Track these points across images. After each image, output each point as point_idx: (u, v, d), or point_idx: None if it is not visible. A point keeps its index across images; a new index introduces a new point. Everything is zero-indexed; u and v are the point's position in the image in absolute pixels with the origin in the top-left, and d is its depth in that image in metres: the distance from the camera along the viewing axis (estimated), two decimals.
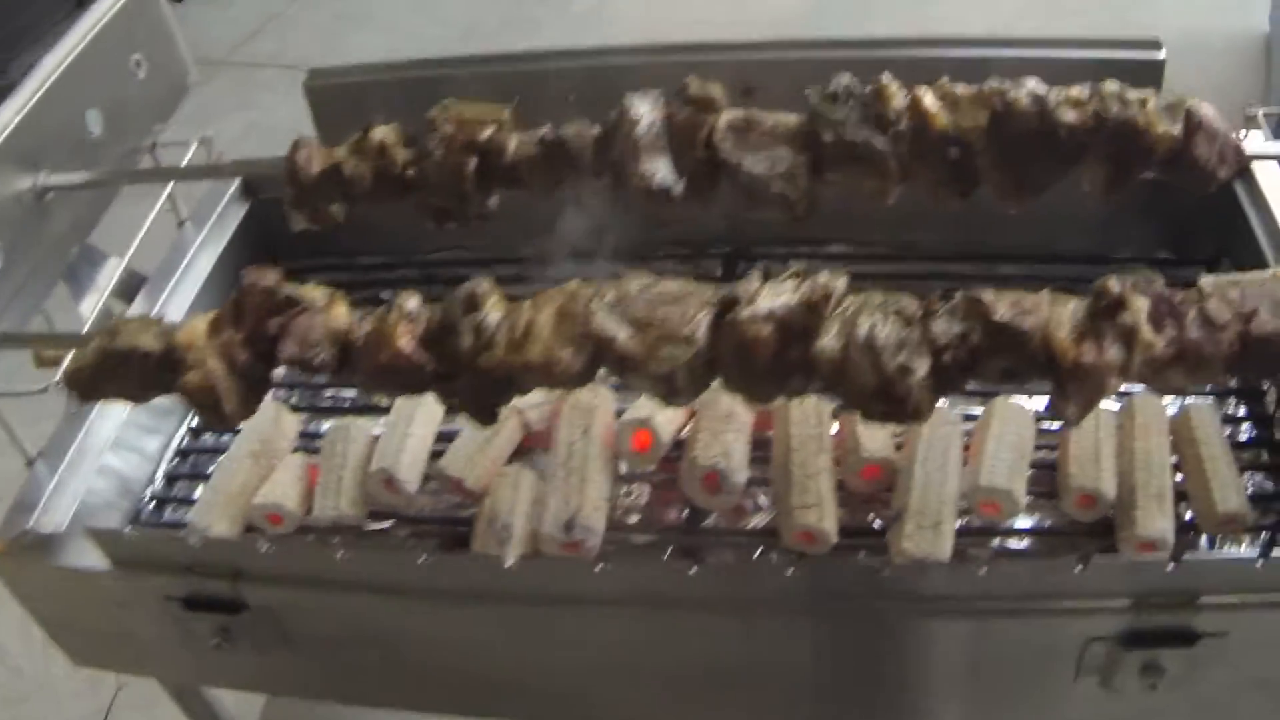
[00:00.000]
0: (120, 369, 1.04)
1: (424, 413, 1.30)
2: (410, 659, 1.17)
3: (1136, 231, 1.38)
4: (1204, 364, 0.80)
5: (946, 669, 1.03)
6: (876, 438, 1.14)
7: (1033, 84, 0.94)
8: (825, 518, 1.10)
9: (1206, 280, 0.84)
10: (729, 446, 1.15)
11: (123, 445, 1.34)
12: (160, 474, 1.40)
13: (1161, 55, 1.28)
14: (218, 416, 1.02)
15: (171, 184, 1.46)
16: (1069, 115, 0.92)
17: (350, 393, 1.47)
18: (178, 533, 1.14)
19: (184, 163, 1.43)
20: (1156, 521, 1.05)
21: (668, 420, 1.20)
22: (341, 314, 0.98)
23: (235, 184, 1.56)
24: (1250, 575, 0.92)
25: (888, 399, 0.82)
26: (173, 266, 1.47)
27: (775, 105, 1.02)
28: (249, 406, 1.02)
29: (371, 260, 1.60)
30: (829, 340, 0.83)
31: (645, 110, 1.00)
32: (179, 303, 1.45)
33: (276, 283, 1.00)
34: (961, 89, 0.96)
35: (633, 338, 0.88)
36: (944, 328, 0.82)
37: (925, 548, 1.06)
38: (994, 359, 0.82)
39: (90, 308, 1.38)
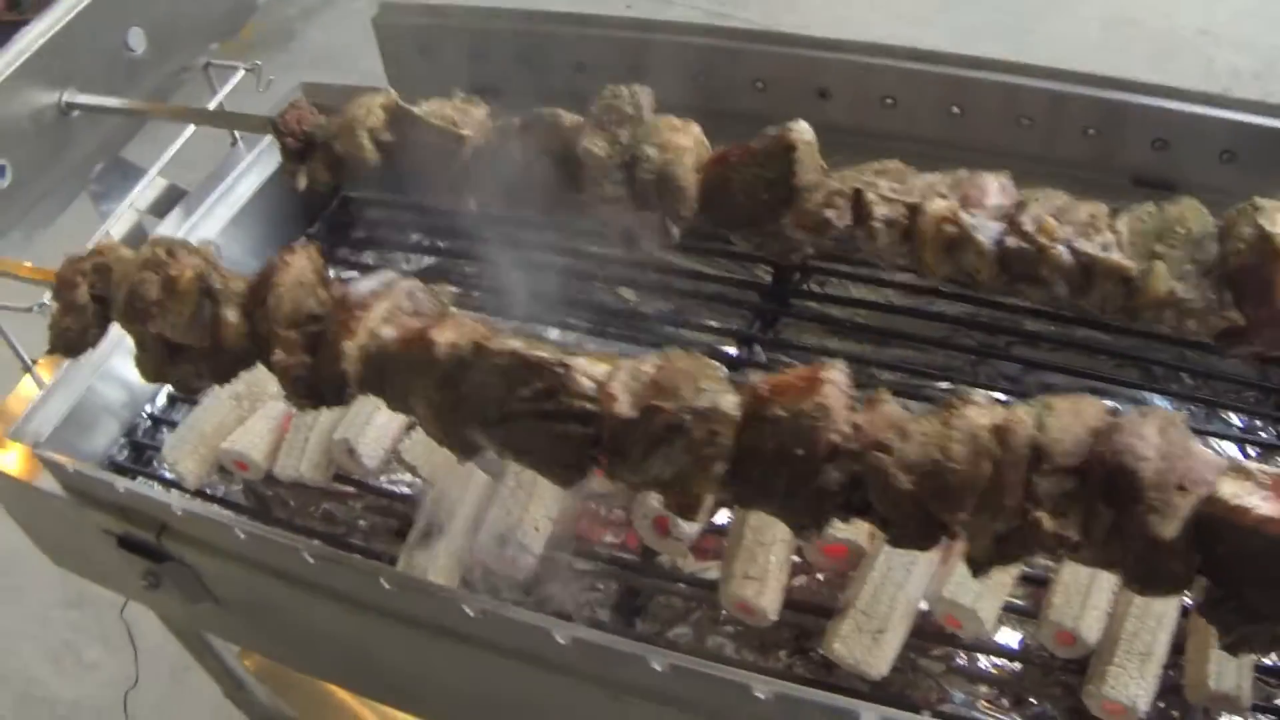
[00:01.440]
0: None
1: None
2: (316, 635, 1.15)
3: None
4: None
5: None
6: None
7: None
8: (765, 594, 1.00)
9: None
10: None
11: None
12: (164, 393, 1.40)
13: None
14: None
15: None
16: None
17: None
18: (112, 477, 1.13)
19: (225, 91, 1.40)
20: (1129, 685, 0.91)
21: None
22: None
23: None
24: None
25: None
26: (213, 186, 1.46)
27: None
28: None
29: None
30: None
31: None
32: (212, 224, 1.44)
33: None
34: None
35: None
36: None
37: (859, 654, 0.95)
38: None
39: (118, 222, 1.39)
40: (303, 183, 1.19)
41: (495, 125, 1.11)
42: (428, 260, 1.50)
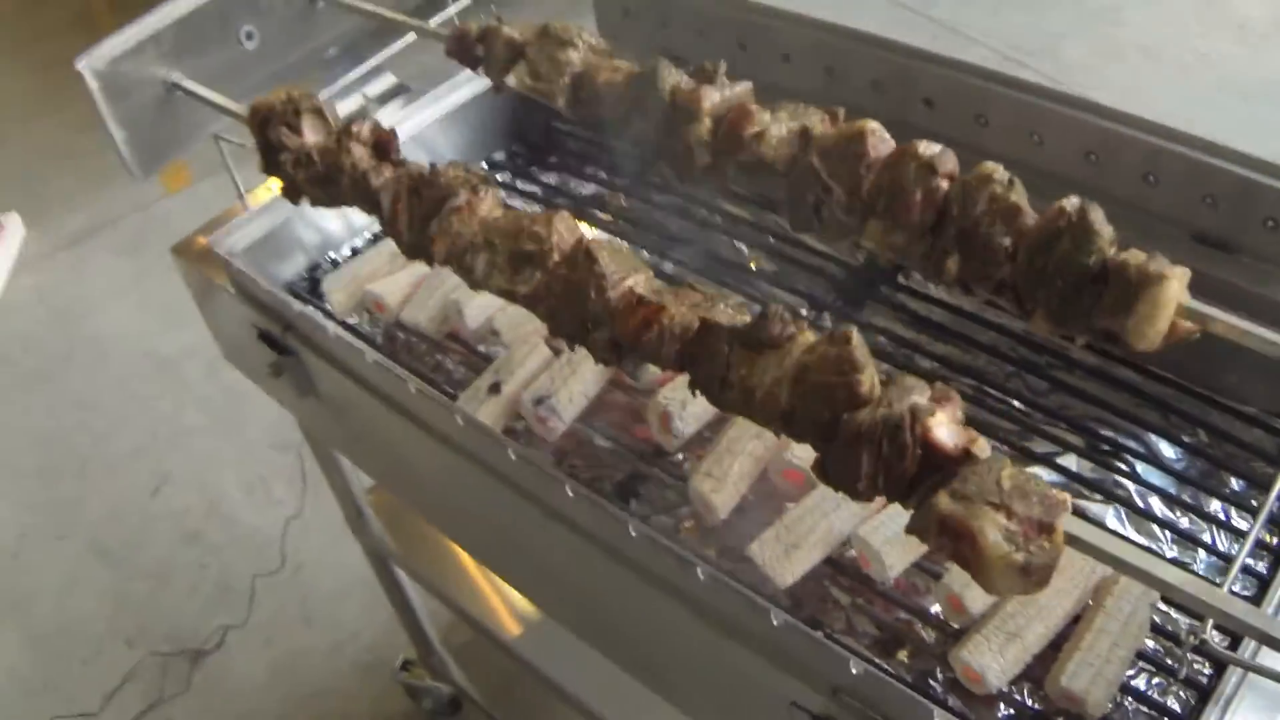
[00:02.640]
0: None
1: None
2: (393, 451, 1.40)
3: None
4: None
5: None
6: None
7: None
8: (720, 493, 1.18)
9: None
10: (689, 397, 1.25)
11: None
12: (349, 245, 1.70)
13: None
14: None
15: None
16: None
17: None
18: (257, 275, 1.42)
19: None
20: (986, 655, 1.03)
21: None
22: None
23: None
24: None
25: None
26: (436, 84, 1.75)
27: None
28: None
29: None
30: None
31: None
32: (423, 118, 1.72)
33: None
34: None
35: None
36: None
37: (771, 561, 1.12)
38: None
39: (345, 104, 1.69)
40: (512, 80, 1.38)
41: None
42: (590, 188, 1.73)
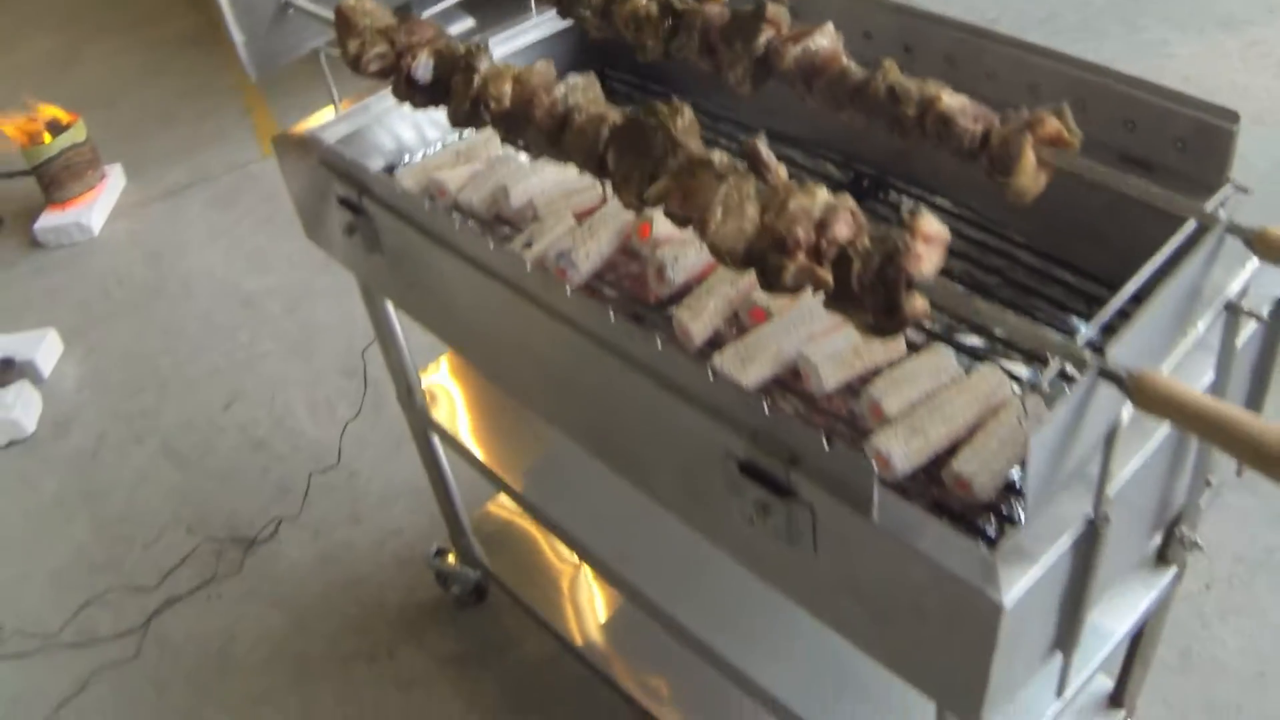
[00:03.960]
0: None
1: (562, 171, 1.82)
2: (440, 295, 1.73)
3: None
4: None
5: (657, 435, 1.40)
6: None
7: None
8: (694, 321, 1.50)
9: None
10: (682, 253, 1.57)
11: (417, 121, 2.01)
12: (421, 153, 2.05)
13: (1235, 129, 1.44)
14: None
15: None
16: None
17: None
18: (342, 149, 1.77)
19: None
20: (891, 443, 1.31)
21: (672, 227, 1.63)
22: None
23: None
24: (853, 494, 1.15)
25: None
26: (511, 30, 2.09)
27: None
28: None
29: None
30: None
31: None
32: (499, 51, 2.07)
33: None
34: None
35: None
36: None
37: (730, 368, 1.43)
38: None
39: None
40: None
41: None
42: None
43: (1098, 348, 1.01)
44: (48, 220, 4.18)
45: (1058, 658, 1.28)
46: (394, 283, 1.84)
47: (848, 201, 1.18)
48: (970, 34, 1.62)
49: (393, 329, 2.15)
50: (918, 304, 1.09)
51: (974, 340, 1.51)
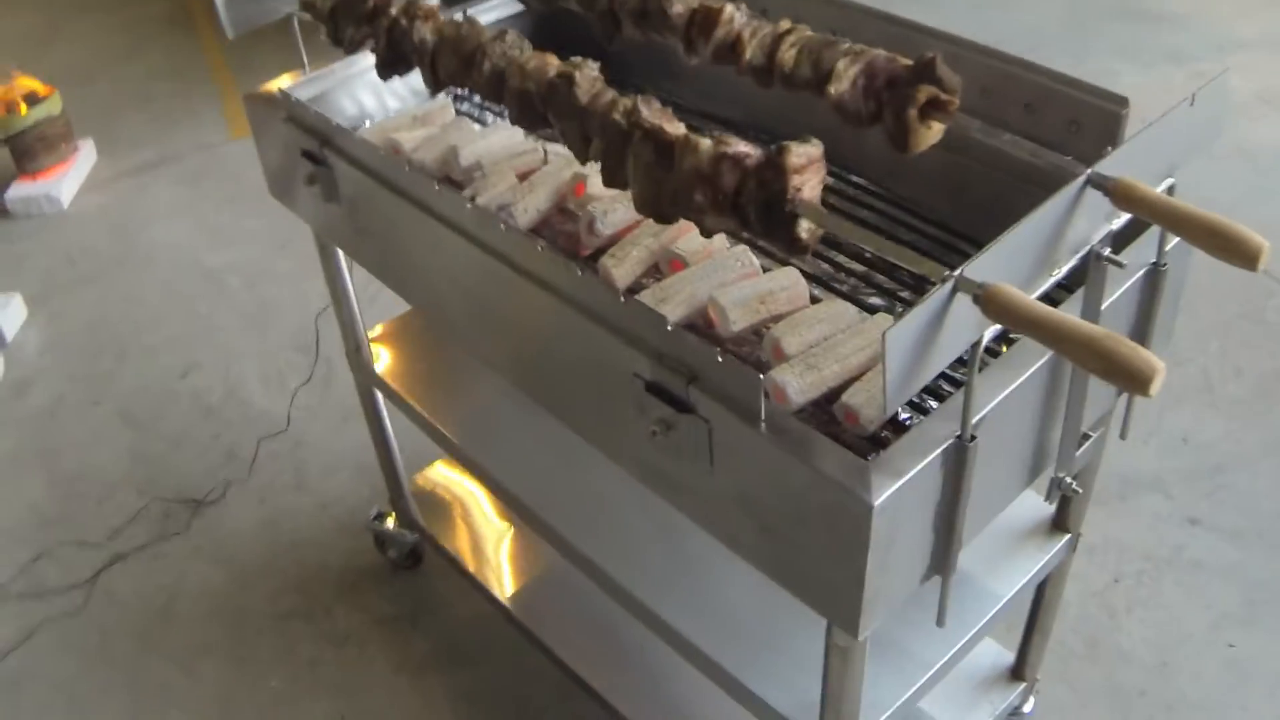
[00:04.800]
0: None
1: (509, 135, 1.95)
2: (389, 240, 1.85)
3: None
4: None
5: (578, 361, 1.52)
6: (697, 241, 1.62)
7: None
8: (618, 268, 1.62)
9: None
10: (611, 208, 1.70)
11: (380, 89, 2.14)
12: (381, 118, 2.17)
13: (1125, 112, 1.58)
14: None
15: None
16: None
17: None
18: (309, 105, 1.89)
19: None
20: (788, 375, 1.42)
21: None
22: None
23: None
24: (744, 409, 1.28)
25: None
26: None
27: None
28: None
29: None
30: None
31: None
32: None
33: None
34: None
35: None
36: None
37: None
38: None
39: None
40: None
41: None
42: None
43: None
44: (17, 190, 4.27)
45: (936, 585, 1.39)
46: (346, 230, 1.95)
47: (732, 147, 1.30)
48: (861, 14, 1.78)
49: (345, 284, 2.26)
50: (803, 228, 1.21)
51: (875, 301, 1.64)
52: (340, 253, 2.20)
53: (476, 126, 2.03)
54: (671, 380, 1.33)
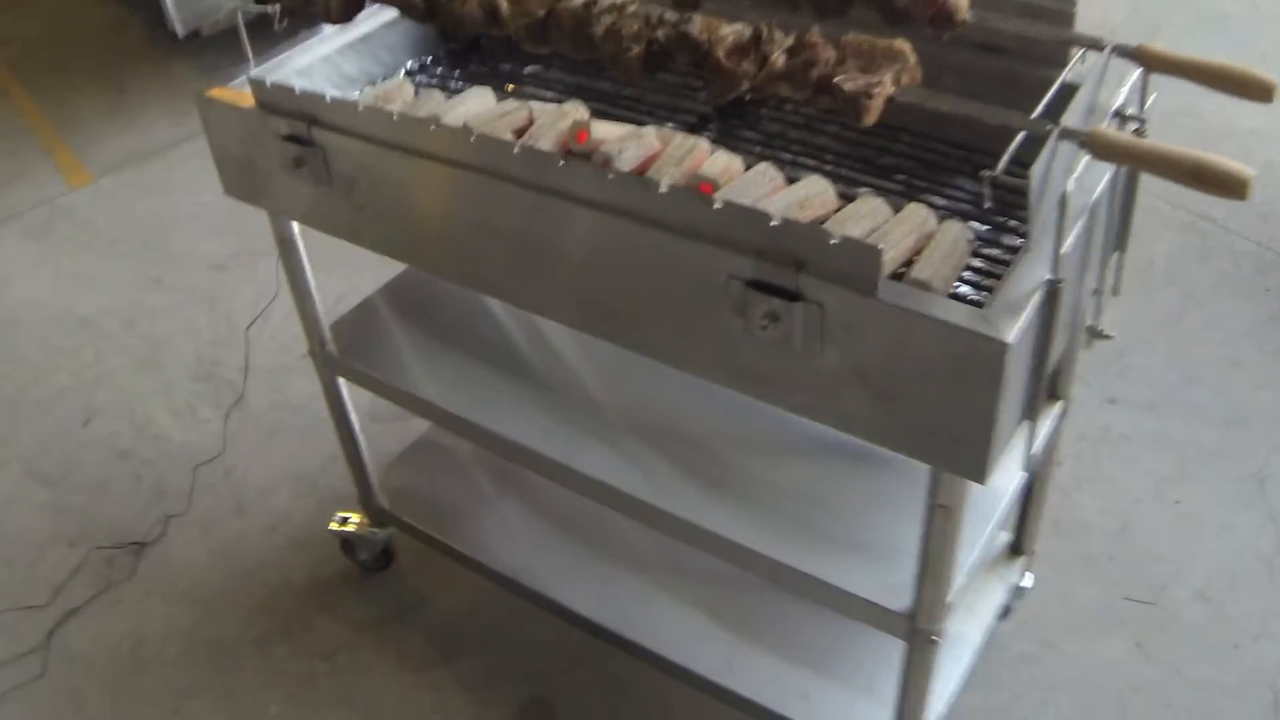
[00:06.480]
0: None
1: (482, 100, 1.99)
2: (403, 209, 1.86)
3: None
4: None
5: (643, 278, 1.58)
6: (719, 164, 1.71)
7: None
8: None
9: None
10: (625, 145, 1.76)
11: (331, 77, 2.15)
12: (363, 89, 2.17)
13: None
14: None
15: None
16: None
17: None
18: (291, 87, 1.89)
19: None
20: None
21: (609, 130, 1.82)
22: None
23: None
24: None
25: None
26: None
27: None
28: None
29: None
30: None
31: None
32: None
33: None
34: None
35: None
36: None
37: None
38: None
39: None
40: None
41: None
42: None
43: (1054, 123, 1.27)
44: None
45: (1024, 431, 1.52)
46: (341, 210, 1.95)
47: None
48: None
49: (306, 277, 2.25)
50: None
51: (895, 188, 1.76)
52: (300, 245, 2.20)
53: (439, 95, 2.06)
54: (778, 273, 1.41)
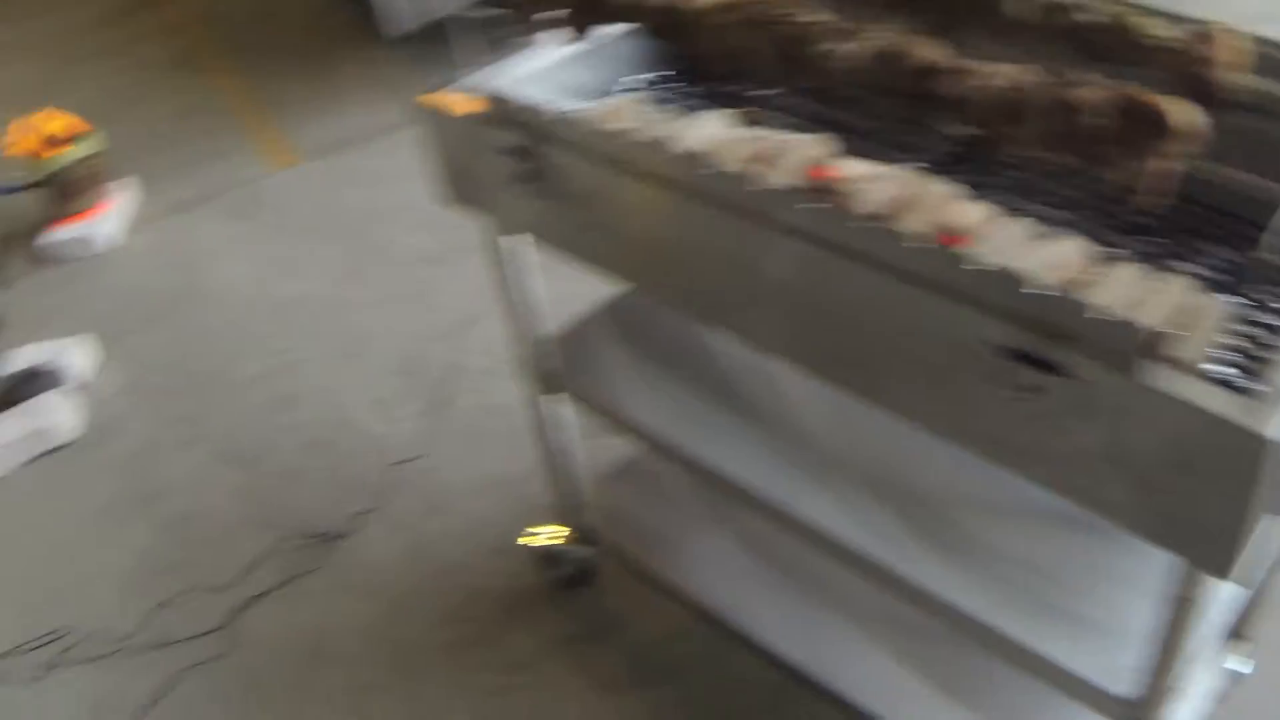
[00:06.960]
0: None
1: (719, 123, 2.01)
2: (631, 233, 1.90)
3: None
4: None
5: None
6: (972, 214, 1.70)
7: None
8: None
9: None
10: (870, 186, 1.77)
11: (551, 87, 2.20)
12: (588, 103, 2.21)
13: None
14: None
15: None
16: None
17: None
18: (524, 100, 1.94)
19: None
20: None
21: (855, 169, 1.82)
22: None
23: None
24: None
25: None
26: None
27: None
28: None
29: None
30: None
31: None
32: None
33: None
34: None
35: None
36: None
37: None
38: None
39: None
40: None
41: None
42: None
43: None
44: (64, 231, 4.28)
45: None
46: (564, 227, 1.99)
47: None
48: None
49: (535, 287, 2.29)
50: None
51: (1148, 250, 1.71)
52: (514, 256, 2.25)
53: (676, 116, 2.09)
54: (1034, 342, 1.40)
